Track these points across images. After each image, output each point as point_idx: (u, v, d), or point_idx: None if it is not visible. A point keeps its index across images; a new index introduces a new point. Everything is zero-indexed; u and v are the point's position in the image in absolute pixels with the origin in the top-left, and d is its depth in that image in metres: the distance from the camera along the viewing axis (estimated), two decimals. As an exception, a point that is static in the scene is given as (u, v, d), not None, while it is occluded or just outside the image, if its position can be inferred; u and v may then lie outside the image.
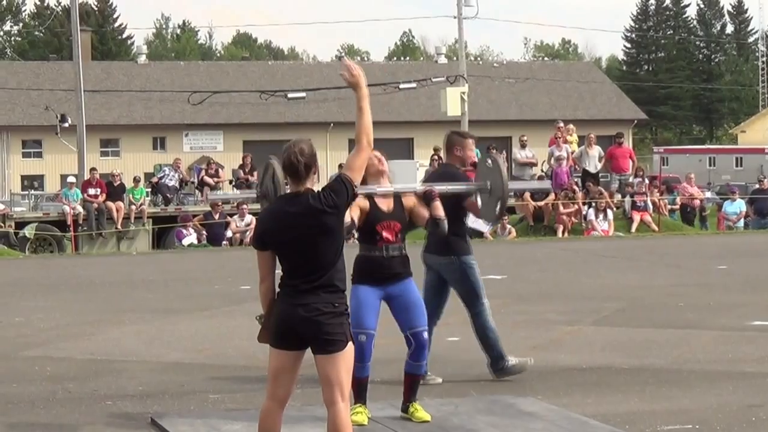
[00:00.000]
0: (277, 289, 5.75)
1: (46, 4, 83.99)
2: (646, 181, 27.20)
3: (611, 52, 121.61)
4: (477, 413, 7.60)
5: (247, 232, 24.20)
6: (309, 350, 5.69)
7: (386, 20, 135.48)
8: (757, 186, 29.24)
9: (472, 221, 11.21)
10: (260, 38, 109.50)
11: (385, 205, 7.36)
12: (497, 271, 16.15)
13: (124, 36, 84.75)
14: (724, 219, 27.57)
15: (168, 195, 28.47)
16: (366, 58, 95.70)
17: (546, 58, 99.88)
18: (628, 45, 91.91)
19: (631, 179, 26.48)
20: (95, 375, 9.39)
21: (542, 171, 28.14)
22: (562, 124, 27.72)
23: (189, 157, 46.40)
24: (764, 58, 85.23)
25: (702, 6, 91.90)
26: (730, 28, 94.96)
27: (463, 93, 32.25)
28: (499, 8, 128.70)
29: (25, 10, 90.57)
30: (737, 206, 27.69)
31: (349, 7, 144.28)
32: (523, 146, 27.70)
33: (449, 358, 9.49)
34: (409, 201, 7.50)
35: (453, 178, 8.31)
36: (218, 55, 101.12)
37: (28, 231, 26.01)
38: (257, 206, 16.20)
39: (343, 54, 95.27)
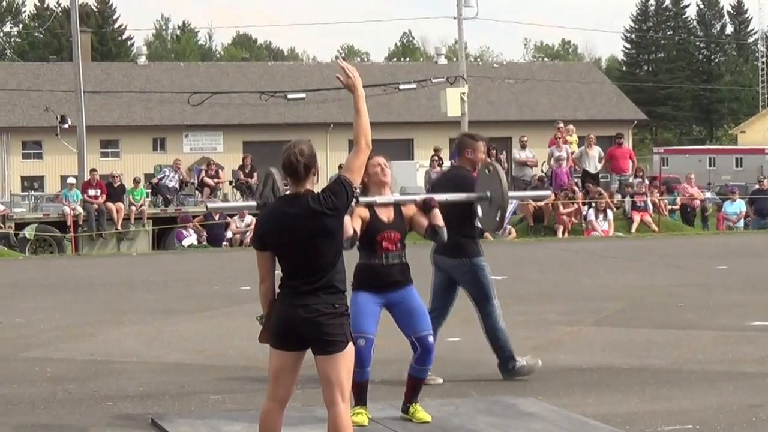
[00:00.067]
0: (277, 290, 5.76)
1: (45, 5, 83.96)
2: (646, 181, 27.21)
3: (611, 53, 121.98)
4: (477, 414, 7.61)
5: (247, 233, 24.20)
6: (309, 351, 5.70)
7: (386, 21, 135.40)
8: (757, 186, 29.26)
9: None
10: (260, 39, 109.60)
11: (385, 215, 7.38)
12: (497, 272, 15.98)
13: (124, 37, 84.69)
14: (724, 219, 27.59)
15: (168, 196, 28.46)
16: (366, 59, 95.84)
17: (546, 59, 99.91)
18: (628, 45, 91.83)
19: (631, 179, 26.48)
20: (95, 376, 9.39)
21: (542, 171, 28.13)
22: (562, 125, 27.74)
23: (189, 158, 46.36)
24: (764, 59, 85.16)
25: (702, 6, 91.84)
26: (729, 29, 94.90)
27: (463, 93, 32.21)
28: (499, 9, 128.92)
29: (24, 11, 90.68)
30: (737, 206, 27.71)
31: (349, 7, 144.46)
32: (523, 147, 27.70)
33: (449, 358, 9.48)
34: (409, 210, 7.52)
35: (463, 181, 8.36)
36: (218, 55, 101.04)
37: (28, 232, 26.00)
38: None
39: (342, 54, 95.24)
